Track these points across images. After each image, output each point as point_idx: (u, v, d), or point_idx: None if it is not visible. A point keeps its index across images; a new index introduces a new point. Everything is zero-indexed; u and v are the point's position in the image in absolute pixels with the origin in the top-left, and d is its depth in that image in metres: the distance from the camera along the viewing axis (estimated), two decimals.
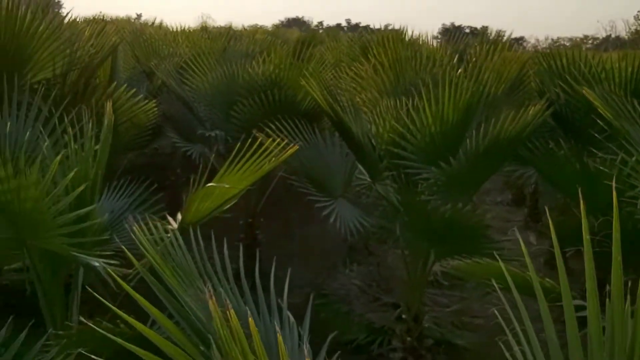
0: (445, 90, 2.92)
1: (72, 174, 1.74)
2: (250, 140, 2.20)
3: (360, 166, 3.13)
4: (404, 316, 3.27)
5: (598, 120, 2.63)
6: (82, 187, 1.74)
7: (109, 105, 2.30)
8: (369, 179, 3.06)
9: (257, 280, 1.58)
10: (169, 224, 2.10)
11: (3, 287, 2.97)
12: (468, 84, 2.97)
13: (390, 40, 4.64)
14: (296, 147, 2.31)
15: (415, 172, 2.87)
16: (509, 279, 1.25)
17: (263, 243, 4.67)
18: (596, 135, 2.77)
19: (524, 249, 1.30)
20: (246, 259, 1.67)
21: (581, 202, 1.11)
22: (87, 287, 2.29)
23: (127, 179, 3.03)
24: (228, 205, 2.44)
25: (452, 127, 2.93)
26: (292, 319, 1.61)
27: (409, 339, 3.19)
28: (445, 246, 2.59)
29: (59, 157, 1.74)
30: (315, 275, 4.39)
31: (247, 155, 2.17)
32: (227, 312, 0.89)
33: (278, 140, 2.30)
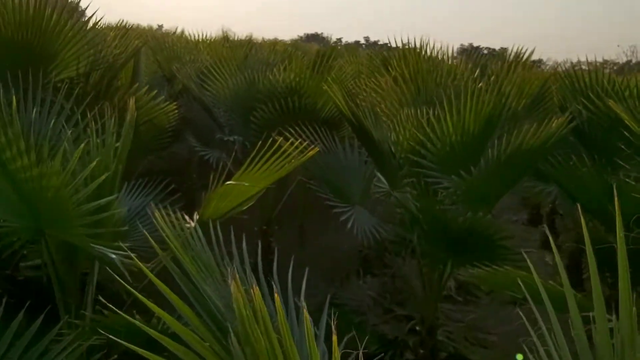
0: (466, 101, 2.90)
1: (93, 163, 1.74)
2: (270, 141, 2.19)
3: (378, 174, 3.11)
4: (417, 328, 3.23)
5: (625, 132, 2.59)
6: (103, 177, 1.74)
7: (131, 102, 2.30)
8: (387, 187, 3.04)
9: (275, 281, 1.56)
10: (187, 221, 2.09)
11: (18, 282, 2.98)
12: (490, 96, 2.95)
13: (411, 53, 4.64)
14: (316, 149, 2.29)
15: (435, 180, 2.84)
16: (540, 287, 1.21)
17: (277, 251, 4.64)
18: (623, 147, 2.73)
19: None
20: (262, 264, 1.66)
21: (617, 209, 1.08)
22: (101, 282, 2.30)
23: (145, 181, 3.04)
24: (246, 206, 2.43)
25: (472, 137, 2.91)
26: (309, 317, 1.58)
27: (422, 351, 3.14)
28: (464, 255, 2.55)
29: (81, 147, 1.74)
30: (328, 285, 4.35)
31: (267, 155, 2.16)
32: (251, 291, 0.87)
33: (297, 143, 2.29)
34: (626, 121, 2.48)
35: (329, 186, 3.15)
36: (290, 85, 4.12)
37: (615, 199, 1.15)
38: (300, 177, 4.20)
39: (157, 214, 1.50)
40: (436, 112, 3.01)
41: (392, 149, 3.10)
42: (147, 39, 5.70)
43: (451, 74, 4.00)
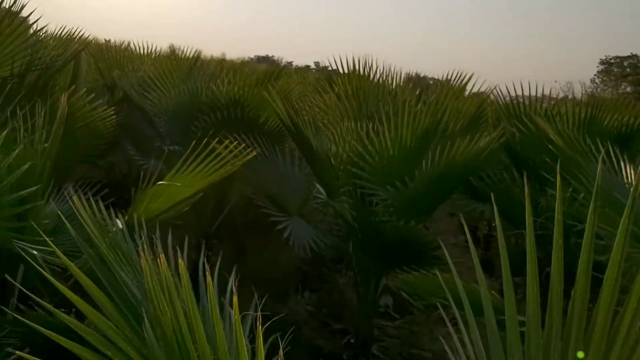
0: (404, 117, 2.98)
1: (17, 150, 1.67)
2: (205, 141, 2.17)
3: (317, 185, 3.13)
4: (352, 341, 3.22)
5: (552, 148, 2.70)
6: (26, 166, 1.67)
7: (63, 97, 2.25)
8: (325, 197, 3.05)
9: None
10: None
11: None
12: (426, 114, 3.04)
13: (356, 73, 4.72)
14: (253, 153, 2.29)
15: (372, 192, 2.87)
16: (460, 289, 1.23)
17: (215, 266, 4.56)
18: (550, 163, 2.84)
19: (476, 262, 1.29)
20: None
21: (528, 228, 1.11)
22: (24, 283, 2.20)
23: (81, 189, 2.95)
24: (180, 211, 2.39)
25: (409, 151, 2.97)
26: (235, 315, 1.57)
27: None
28: (397, 265, 2.57)
29: (4, 133, 1.67)
30: (266, 300, 4.30)
31: (201, 157, 2.14)
32: (158, 261, 0.85)
33: (232, 147, 2.28)
34: (551, 135, 2.58)
35: (268, 196, 3.14)
36: (234, 97, 4.10)
37: (528, 207, 1.17)
38: (242, 191, 4.18)
39: (75, 198, 1.45)
40: (375, 127, 3.07)
41: (332, 160, 3.12)
42: (90, 47, 5.59)
43: (392, 93, 4.10)
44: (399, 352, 3.84)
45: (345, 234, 2.83)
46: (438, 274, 1.50)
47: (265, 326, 1.59)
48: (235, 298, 1.00)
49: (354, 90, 3.94)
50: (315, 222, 3.09)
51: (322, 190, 3.09)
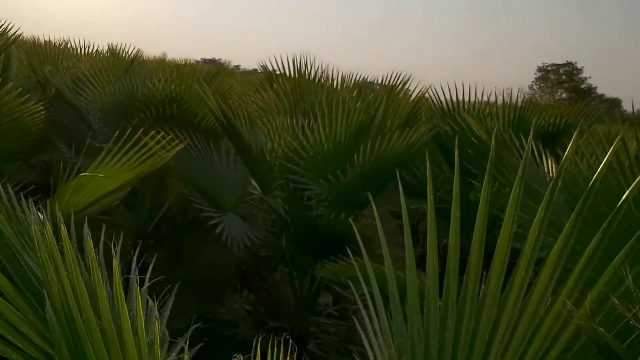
0: (339, 114, 3.02)
1: None
2: (138, 135, 2.14)
3: (252, 180, 3.12)
4: (287, 336, 3.22)
5: (478, 144, 2.78)
6: None
7: None
8: (260, 193, 3.05)
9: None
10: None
11: None
12: (361, 110, 3.09)
13: (295, 72, 4.74)
14: (181, 145, 2.27)
15: (305, 187, 2.89)
16: (390, 277, 1.25)
17: (152, 267, 4.47)
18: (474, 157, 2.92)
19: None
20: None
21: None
22: None
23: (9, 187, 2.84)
24: (106, 206, 2.34)
25: (343, 147, 3.01)
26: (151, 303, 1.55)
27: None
28: (328, 257, 2.59)
29: None
30: (203, 301, 4.25)
31: (125, 147, 2.10)
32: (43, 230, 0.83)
33: (158, 137, 2.25)
34: (475, 130, 2.67)
35: (202, 193, 3.11)
36: (170, 94, 4.05)
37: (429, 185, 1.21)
38: (180, 190, 4.12)
39: None
40: (311, 124, 3.10)
41: (267, 156, 3.13)
42: (25, 43, 5.42)
43: (329, 91, 4.14)
44: (337, 349, 3.86)
45: (279, 229, 2.83)
46: (353, 259, 1.52)
47: (195, 326, 1.58)
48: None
49: (292, 88, 3.96)
50: (251, 219, 3.08)
51: (256, 186, 3.09)
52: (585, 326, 0.92)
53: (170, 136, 2.88)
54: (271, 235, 2.92)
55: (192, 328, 1.49)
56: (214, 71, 8.18)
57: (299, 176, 2.94)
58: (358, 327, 1.29)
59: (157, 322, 0.99)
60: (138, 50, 6.30)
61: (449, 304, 1.01)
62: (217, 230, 2.78)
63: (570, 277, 0.99)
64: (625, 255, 0.99)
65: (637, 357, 1.01)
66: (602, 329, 0.91)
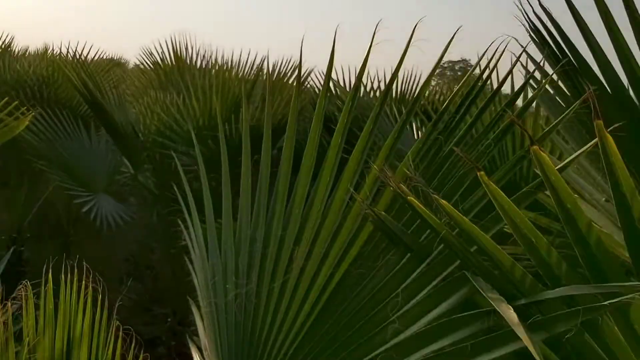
0: (213, 89, 2.99)
1: None
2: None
3: (124, 159, 3.01)
4: (169, 320, 3.14)
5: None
6: None
7: None
8: (132, 170, 2.94)
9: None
10: None
11: None
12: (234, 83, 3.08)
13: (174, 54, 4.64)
14: (30, 115, 2.13)
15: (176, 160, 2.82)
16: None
17: (31, 262, 4.22)
18: None
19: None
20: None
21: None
22: None
23: None
24: None
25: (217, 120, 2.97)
26: None
27: (173, 343, 3.07)
28: None
29: None
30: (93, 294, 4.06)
31: None
32: None
33: (17, 114, 2.12)
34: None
35: (70, 174, 2.97)
36: (42, 77, 3.83)
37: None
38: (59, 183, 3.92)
39: None
40: (186, 101, 3.04)
41: (140, 133, 3.03)
42: None
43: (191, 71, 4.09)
44: None
45: (151, 206, 2.75)
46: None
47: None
48: None
49: (170, 69, 3.88)
50: (123, 197, 2.97)
51: (128, 163, 2.98)
52: (369, 213, 0.93)
53: (31, 112, 2.74)
54: (143, 213, 2.82)
55: None
56: (104, 64, 7.87)
57: (172, 150, 2.86)
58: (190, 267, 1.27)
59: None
60: (12, 39, 5.93)
61: (259, 219, 1.00)
62: (84, 209, 2.65)
63: (350, 162, 1.02)
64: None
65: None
66: (383, 213, 0.93)
